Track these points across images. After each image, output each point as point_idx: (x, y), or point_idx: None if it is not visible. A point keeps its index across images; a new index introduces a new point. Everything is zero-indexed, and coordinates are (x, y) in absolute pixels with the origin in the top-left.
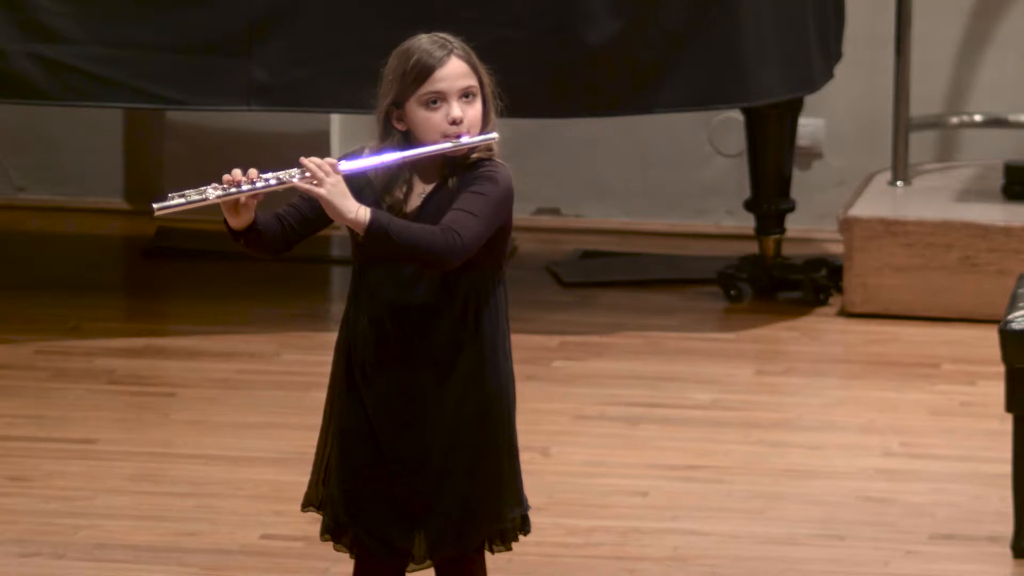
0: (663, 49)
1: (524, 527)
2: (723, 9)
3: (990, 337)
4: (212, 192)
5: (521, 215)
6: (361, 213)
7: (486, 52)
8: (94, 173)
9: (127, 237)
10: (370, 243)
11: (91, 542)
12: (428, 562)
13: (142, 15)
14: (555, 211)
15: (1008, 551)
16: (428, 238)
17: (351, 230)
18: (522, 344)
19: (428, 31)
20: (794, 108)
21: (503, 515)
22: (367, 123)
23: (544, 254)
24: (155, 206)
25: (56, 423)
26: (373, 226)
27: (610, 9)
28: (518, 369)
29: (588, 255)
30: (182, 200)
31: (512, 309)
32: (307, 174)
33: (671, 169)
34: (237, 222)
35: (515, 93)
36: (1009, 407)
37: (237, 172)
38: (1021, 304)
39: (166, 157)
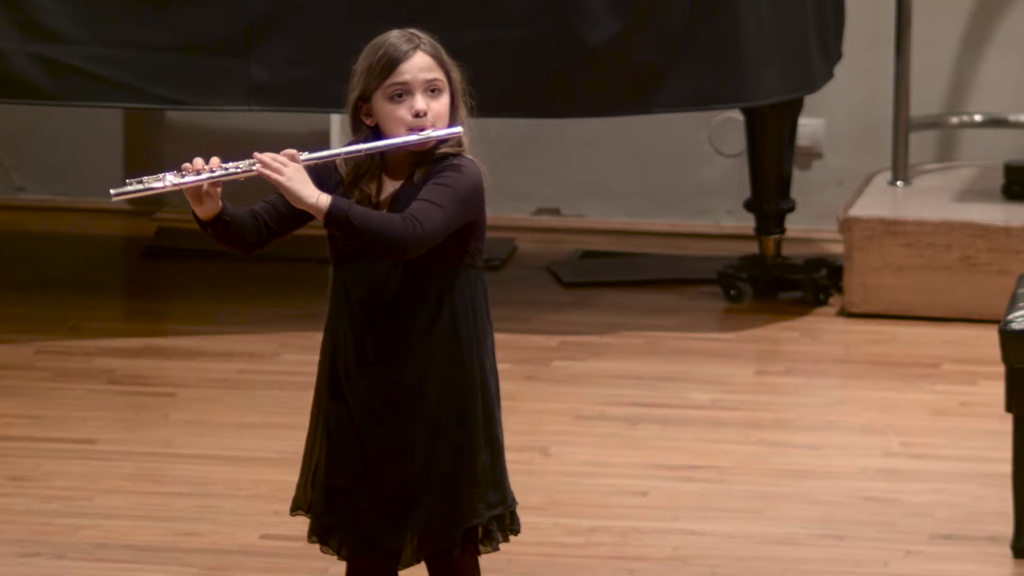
0: (663, 49)
1: (513, 526)
2: (723, 9)
3: (990, 337)
4: (170, 178)
5: (521, 215)
6: (322, 199)
7: (486, 52)
8: (94, 173)
9: (127, 237)
10: (331, 228)
11: (91, 542)
12: (418, 562)
13: (142, 15)
14: (555, 211)
15: (1008, 551)
16: (388, 224)
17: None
18: (522, 344)
19: (428, 31)
20: (794, 108)
21: (479, 511)
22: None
23: (544, 254)
24: (112, 191)
25: (56, 423)
26: (333, 211)
27: (610, 9)
28: (518, 369)
29: (588, 255)
30: (140, 186)
31: (512, 309)
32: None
33: (671, 169)
34: (203, 211)
35: (515, 93)
36: (1009, 407)
37: (198, 160)
38: (1021, 304)
39: (166, 157)
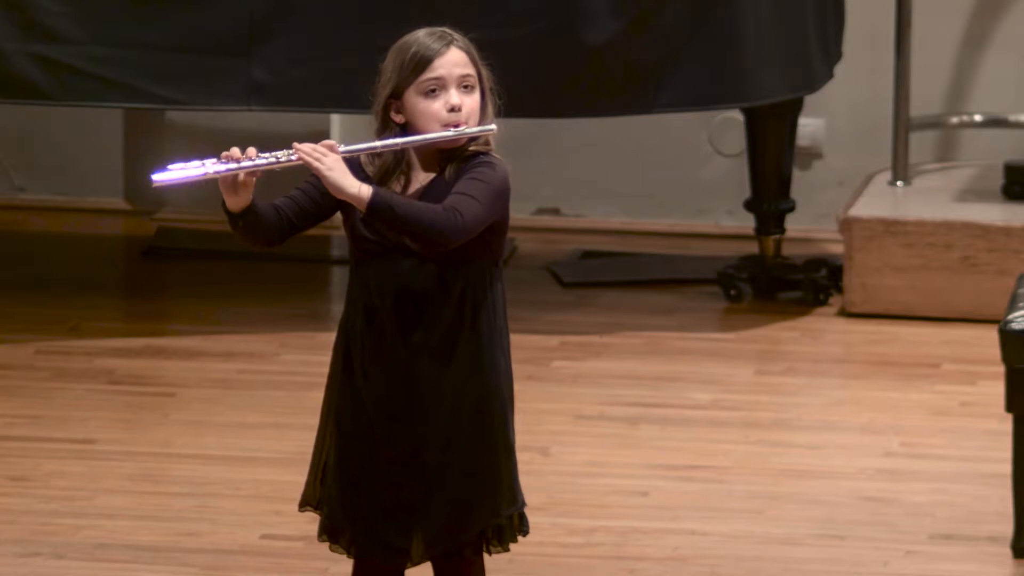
0: (663, 49)
1: (522, 527)
2: (723, 9)
3: (990, 337)
4: (211, 166)
5: (521, 215)
6: (363, 189)
7: (486, 52)
8: (94, 173)
9: (127, 237)
10: (373, 219)
11: (91, 542)
12: (426, 561)
13: (142, 15)
14: (555, 211)
15: (1008, 551)
16: (431, 214)
17: (348, 225)
18: (522, 344)
19: None
20: (794, 108)
21: (497, 512)
22: (367, 123)
23: (544, 254)
24: (154, 177)
25: (56, 423)
26: (376, 201)
27: (610, 9)
28: (518, 369)
29: (588, 255)
30: (181, 172)
31: (512, 309)
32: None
33: (671, 169)
34: (234, 202)
35: (515, 93)
36: (1009, 407)
37: (236, 150)
38: (1021, 304)
39: (166, 157)
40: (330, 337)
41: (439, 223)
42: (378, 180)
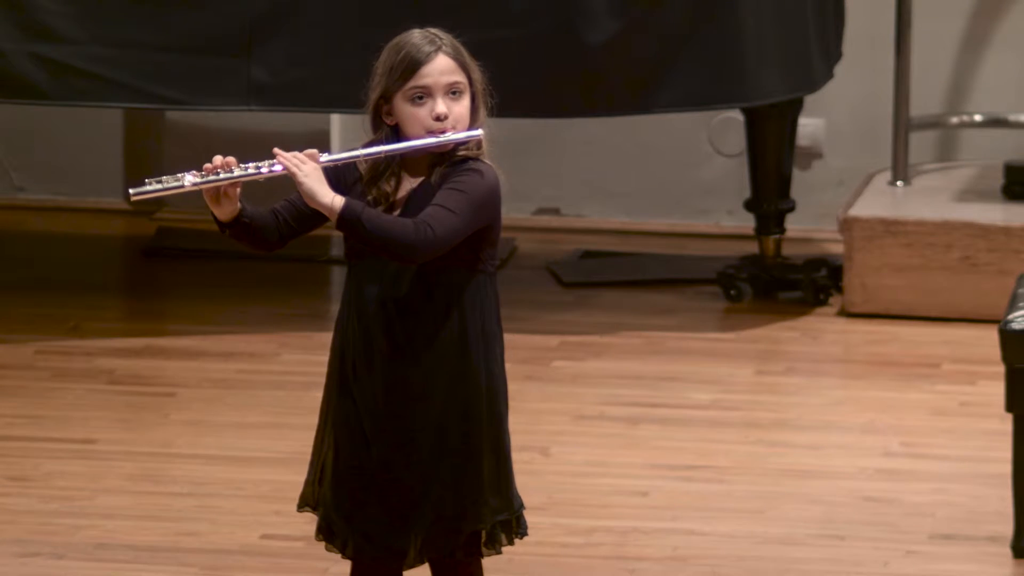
0: (663, 49)
1: (520, 529)
2: (723, 9)
3: (990, 337)
4: (189, 178)
5: (521, 215)
6: (336, 201)
7: (486, 52)
8: (94, 173)
9: (127, 237)
10: (343, 230)
11: (91, 542)
12: (422, 563)
13: (142, 15)
14: (555, 211)
15: (1008, 551)
16: (400, 229)
17: None
18: (522, 344)
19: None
20: (794, 108)
21: (483, 516)
22: (367, 123)
23: (544, 254)
24: (131, 191)
25: (56, 423)
26: (346, 213)
27: (610, 9)
28: (518, 369)
29: (588, 255)
30: (158, 186)
31: (512, 309)
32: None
33: (671, 169)
34: (221, 212)
35: (515, 93)
36: (1009, 407)
37: (218, 159)
38: (1021, 304)
39: (166, 157)
40: (330, 337)
41: (408, 238)
42: (369, 180)
